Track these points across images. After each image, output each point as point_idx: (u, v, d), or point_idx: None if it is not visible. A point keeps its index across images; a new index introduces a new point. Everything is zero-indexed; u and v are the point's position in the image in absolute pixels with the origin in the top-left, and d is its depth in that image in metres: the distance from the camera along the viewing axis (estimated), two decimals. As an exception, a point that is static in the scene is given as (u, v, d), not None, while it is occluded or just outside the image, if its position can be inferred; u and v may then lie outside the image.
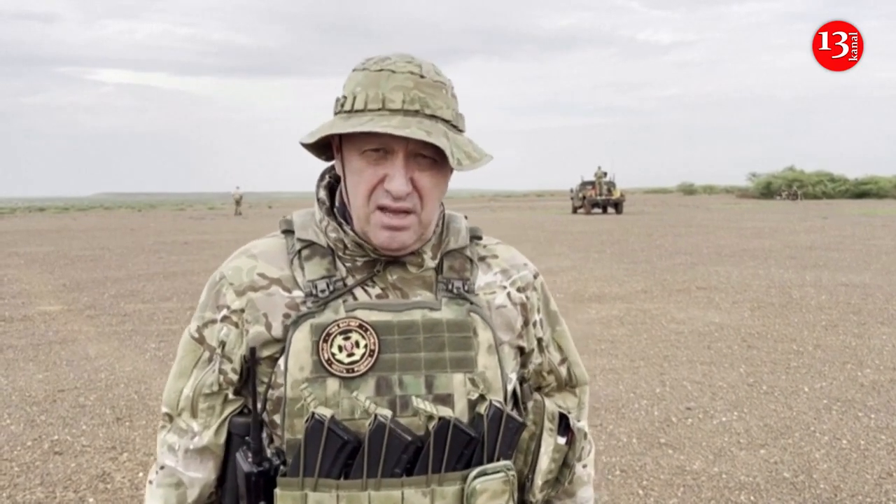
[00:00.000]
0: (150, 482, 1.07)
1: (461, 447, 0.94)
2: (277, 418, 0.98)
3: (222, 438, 1.03)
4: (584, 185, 35.27)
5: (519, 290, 1.11)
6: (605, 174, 34.44)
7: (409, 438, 0.92)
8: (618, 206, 33.92)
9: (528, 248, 15.53)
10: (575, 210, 35.36)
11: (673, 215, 31.01)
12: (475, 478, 0.95)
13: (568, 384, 1.20)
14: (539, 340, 1.14)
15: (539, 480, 1.09)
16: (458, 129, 1.00)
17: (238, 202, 40.01)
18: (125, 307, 8.82)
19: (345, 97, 0.98)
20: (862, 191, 54.36)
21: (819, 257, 12.85)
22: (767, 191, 57.40)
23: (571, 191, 36.84)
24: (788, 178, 57.78)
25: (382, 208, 0.96)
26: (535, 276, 1.15)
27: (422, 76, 0.96)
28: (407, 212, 0.97)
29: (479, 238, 1.13)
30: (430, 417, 0.93)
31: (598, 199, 33.95)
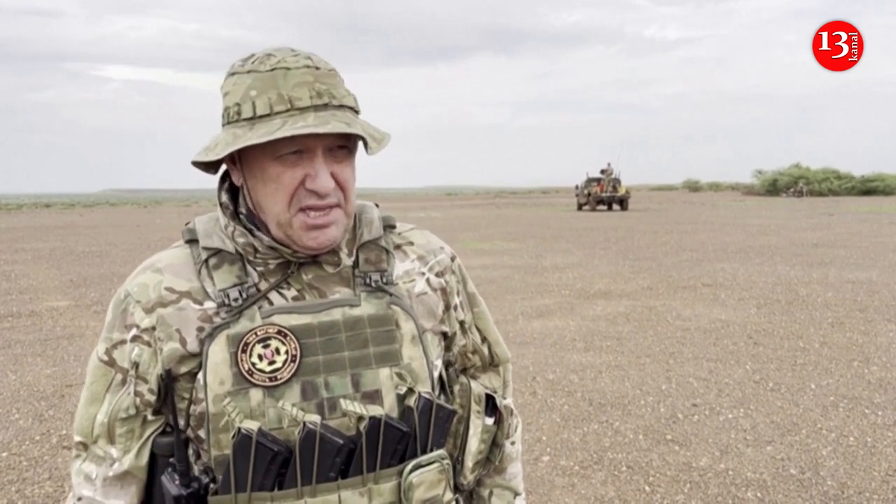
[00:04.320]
0: None
1: (394, 443, 0.94)
2: (203, 434, 0.94)
3: (144, 460, 0.98)
4: (589, 181, 35.22)
5: (437, 274, 1.10)
6: (612, 172, 34.36)
7: (341, 441, 0.91)
8: (623, 202, 33.84)
9: (534, 245, 15.54)
10: (580, 207, 35.31)
11: (678, 212, 30.94)
12: (411, 471, 0.94)
13: (491, 363, 1.20)
14: (461, 323, 1.14)
15: (469, 462, 1.10)
16: (358, 113, 0.99)
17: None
18: (132, 303, 8.85)
19: (237, 104, 0.92)
20: (868, 188, 54.12)
21: (825, 254, 12.80)
22: (773, 188, 57.21)
23: (577, 187, 36.79)
24: (794, 176, 57.55)
25: (305, 209, 0.94)
26: (453, 259, 1.15)
27: (317, 67, 0.93)
28: (332, 207, 0.95)
29: (393, 226, 1.11)
30: (361, 418, 0.92)
31: (603, 195, 33.89)
